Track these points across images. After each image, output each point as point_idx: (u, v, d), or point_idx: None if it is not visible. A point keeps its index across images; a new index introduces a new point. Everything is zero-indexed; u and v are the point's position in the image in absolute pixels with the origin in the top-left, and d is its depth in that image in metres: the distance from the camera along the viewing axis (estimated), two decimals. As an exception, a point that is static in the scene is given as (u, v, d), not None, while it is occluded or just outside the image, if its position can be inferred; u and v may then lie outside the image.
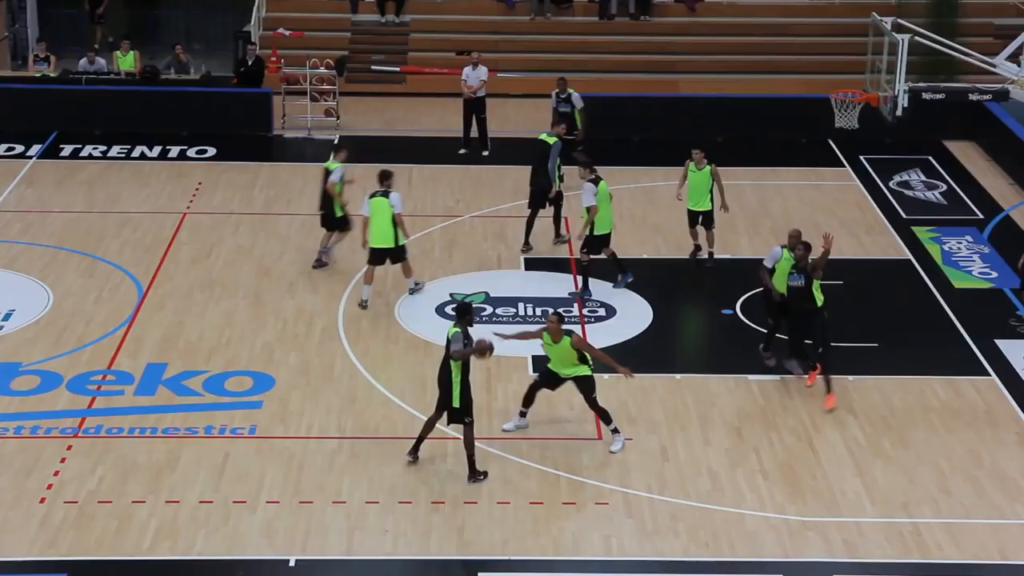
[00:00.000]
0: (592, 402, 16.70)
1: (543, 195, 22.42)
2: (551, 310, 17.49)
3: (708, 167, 21.45)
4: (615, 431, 16.82)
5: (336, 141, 23.50)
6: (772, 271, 18.46)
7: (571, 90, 25.58)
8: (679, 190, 21.86)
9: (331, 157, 22.90)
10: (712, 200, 21.61)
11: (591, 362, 16.61)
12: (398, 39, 32.89)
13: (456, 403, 15.88)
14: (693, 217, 21.79)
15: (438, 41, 32.66)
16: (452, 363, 15.74)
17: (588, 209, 20.51)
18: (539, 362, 18.76)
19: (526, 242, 22.57)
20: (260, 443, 16.80)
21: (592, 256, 20.80)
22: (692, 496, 15.87)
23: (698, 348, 20.18)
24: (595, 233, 20.64)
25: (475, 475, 16.05)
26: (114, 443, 16.67)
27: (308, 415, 17.49)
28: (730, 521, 15.42)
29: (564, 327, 16.55)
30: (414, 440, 16.35)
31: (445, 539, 15.00)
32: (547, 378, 16.95)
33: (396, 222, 20.26)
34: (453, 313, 16.45)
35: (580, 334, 16.57)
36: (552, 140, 22.47)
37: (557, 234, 22.94)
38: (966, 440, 17.19)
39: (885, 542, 15.07)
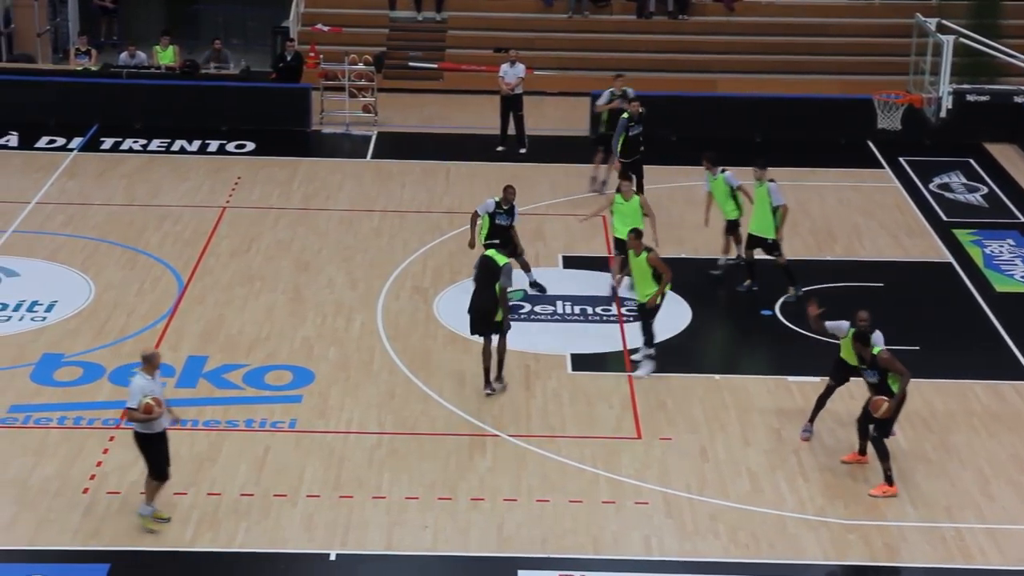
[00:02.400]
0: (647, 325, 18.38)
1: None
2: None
3: (636, 197, 20.69)
4: (649, 358, 18.35)
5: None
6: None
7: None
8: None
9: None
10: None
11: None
12: (436, 36, 32.93)
13: (500, 318, 17.55)
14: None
15: (476, 38, 32.68)
16: (498, 288, 17.46)
17: (778, 208, 20.60)
18: (577, 361, 18.82)
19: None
20: (300, 437, 16.84)
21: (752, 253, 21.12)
22: (732, 497, 15.85)
23: (737, 349, 20.13)
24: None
25: (500, 380, 17.82)
26: (156, 435, 16.74)
27: (348, 410, 17.53)
28: (770, 522, 15.39)
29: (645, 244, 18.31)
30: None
31: (484, 536, 15.01)
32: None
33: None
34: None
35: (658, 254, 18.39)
36: (624, 115, 23.91)
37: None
38: (1008, 444, 17.10)
39: (927, 546, 15.02)
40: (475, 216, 20.27)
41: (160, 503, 15.24)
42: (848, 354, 16.46)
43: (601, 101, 25.38)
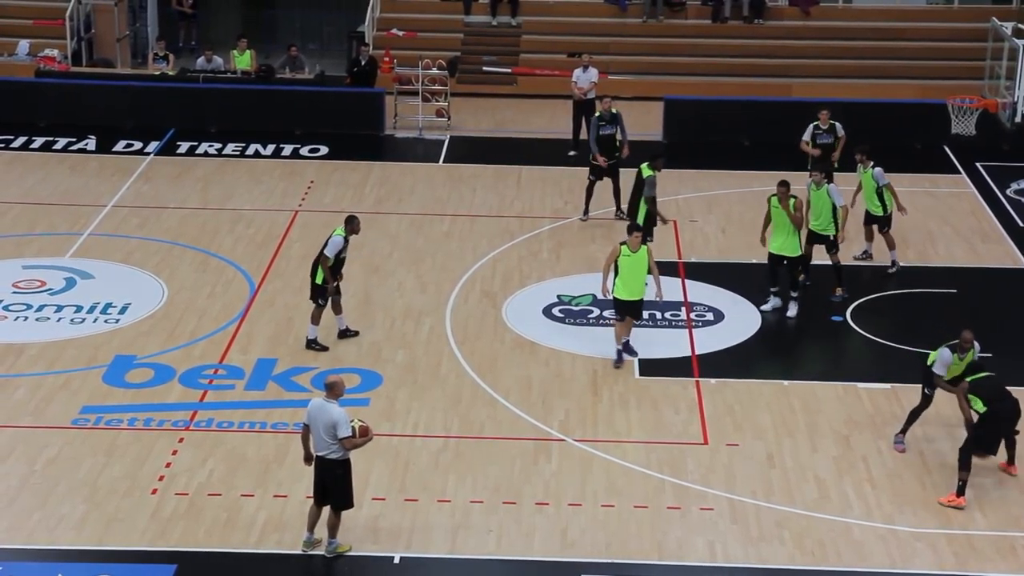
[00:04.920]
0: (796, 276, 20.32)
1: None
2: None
3: (793, 200, 20.00)
4: (795, 300, 20.25)
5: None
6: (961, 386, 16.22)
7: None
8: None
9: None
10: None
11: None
12: (510, 40, 32.99)
13: (641, 221, 20.86)
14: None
15: (549, 43, 32.71)
16: (644, 199, 21.28)
17: (838, 209, 20.74)
18: (644, 366, 18.79)
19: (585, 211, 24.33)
20: (367, 440, 16.92)
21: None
22: (798, 503, 15.73)
23: (806, 354, 19.98)
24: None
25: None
26: (224, 437, 16.93)
27: (414, 413, 17.61)
28: (836, 530, 15.25)
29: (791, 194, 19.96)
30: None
31: (548, 540, 15.01)
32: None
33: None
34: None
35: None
36: (595, 115, 24.02)
37: (617, 207, 24.10)
38: (1082, 454, 16.83)
39: (996, 555, 14.82)
40: (325, 259, 18.88)
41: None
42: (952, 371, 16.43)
43: (806, 137, 24.14)
